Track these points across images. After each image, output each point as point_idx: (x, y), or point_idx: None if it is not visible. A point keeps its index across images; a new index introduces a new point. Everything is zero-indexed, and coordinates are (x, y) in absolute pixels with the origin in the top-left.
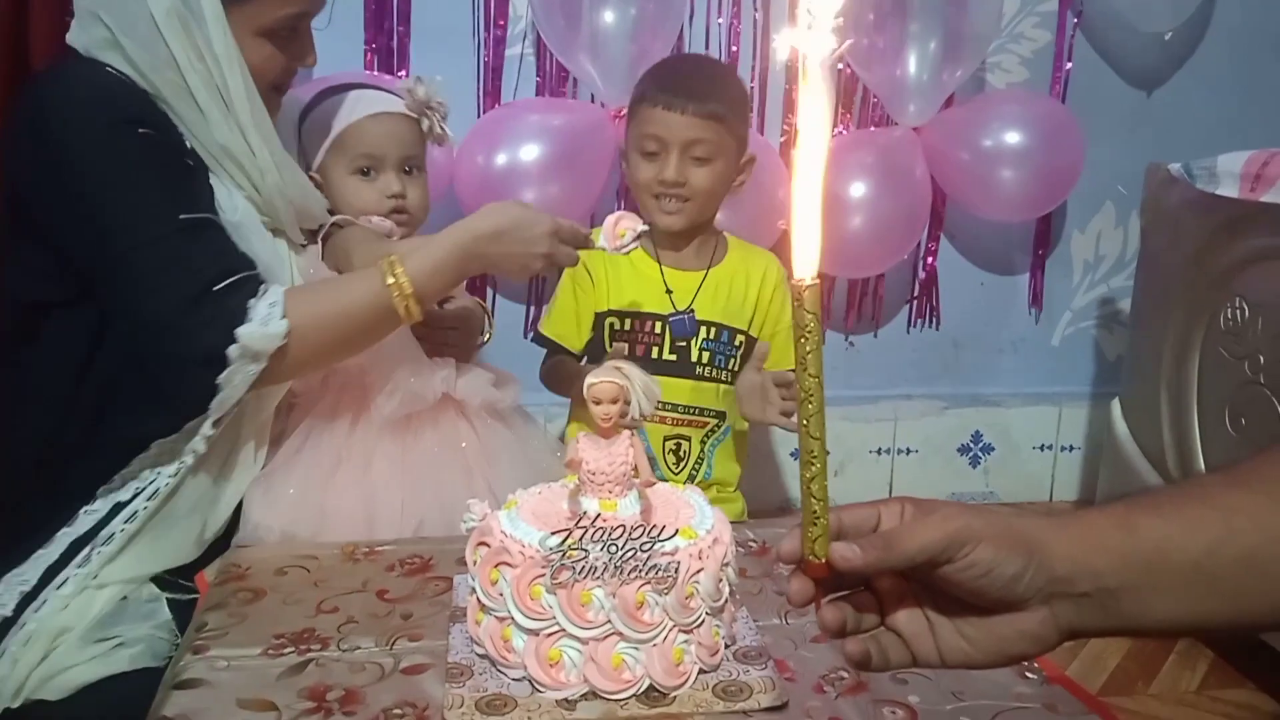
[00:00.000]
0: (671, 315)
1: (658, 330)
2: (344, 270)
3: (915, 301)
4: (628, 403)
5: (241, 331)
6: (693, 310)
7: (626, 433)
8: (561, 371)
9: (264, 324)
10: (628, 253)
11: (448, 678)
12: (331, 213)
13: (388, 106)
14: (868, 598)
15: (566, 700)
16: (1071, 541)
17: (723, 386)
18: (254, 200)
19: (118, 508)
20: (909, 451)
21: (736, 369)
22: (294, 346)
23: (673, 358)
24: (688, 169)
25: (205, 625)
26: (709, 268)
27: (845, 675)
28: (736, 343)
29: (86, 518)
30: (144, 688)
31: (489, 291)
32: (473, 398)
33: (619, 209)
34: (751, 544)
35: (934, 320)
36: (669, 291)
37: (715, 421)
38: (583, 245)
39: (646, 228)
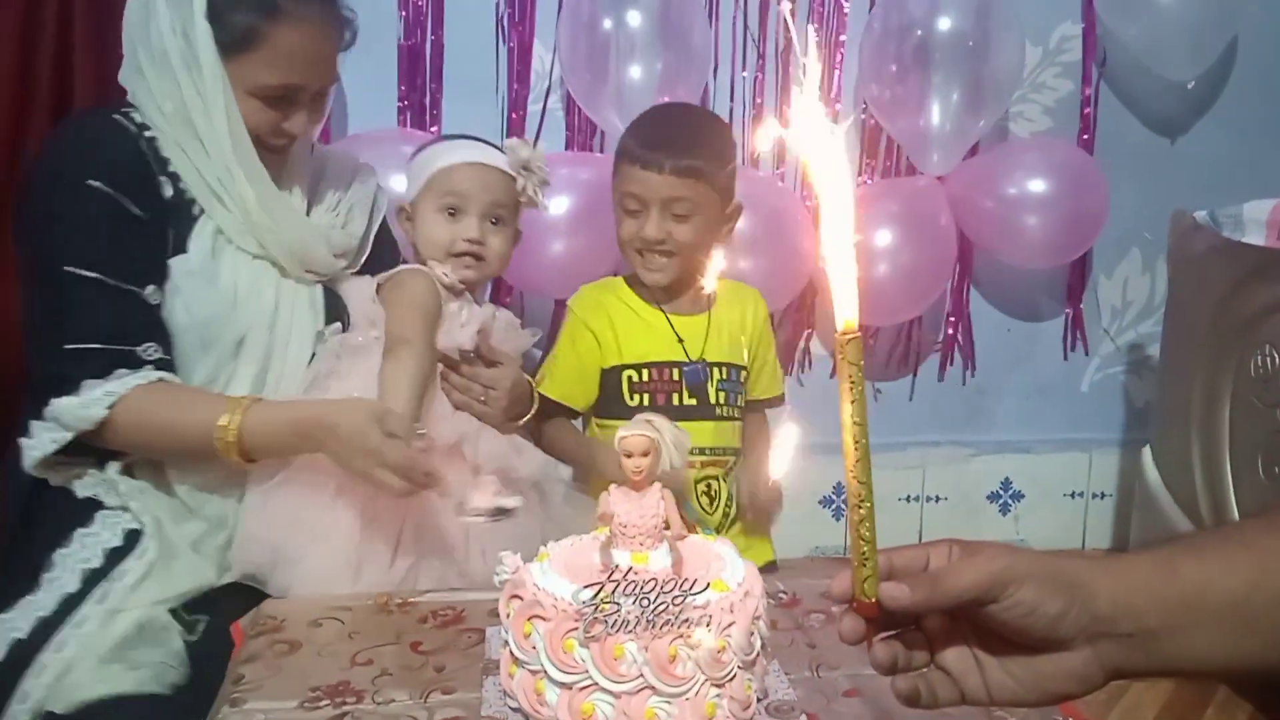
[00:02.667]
0: (685, 365)
1: (675, 378)
2: (391, 306)
3: (943, 348)
4: (658, 455)
5: (58, 402)
6: (704, 360)
7: (657, 485)
8: (565, 443)
9: (84, 406)
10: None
11: None
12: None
13: (487, 159)
14: (917, 636)
15: None
16: (1114, 582)
17: (738, 423)
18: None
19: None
20: (938, 499)
21: (741, 404)
22: (108, 434)
23: (693, 402)
24: (669, 225)
25: (242, 678)
26: (709, 310)
27: None
28: (741, 379)
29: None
30: (147, 713)
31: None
32: (487, 462)
33: None
34: (782, 595)
35: (963, 366)
36: (680, 340)
37: (733, 459)
38: (411, 478)
39: (513, 507)
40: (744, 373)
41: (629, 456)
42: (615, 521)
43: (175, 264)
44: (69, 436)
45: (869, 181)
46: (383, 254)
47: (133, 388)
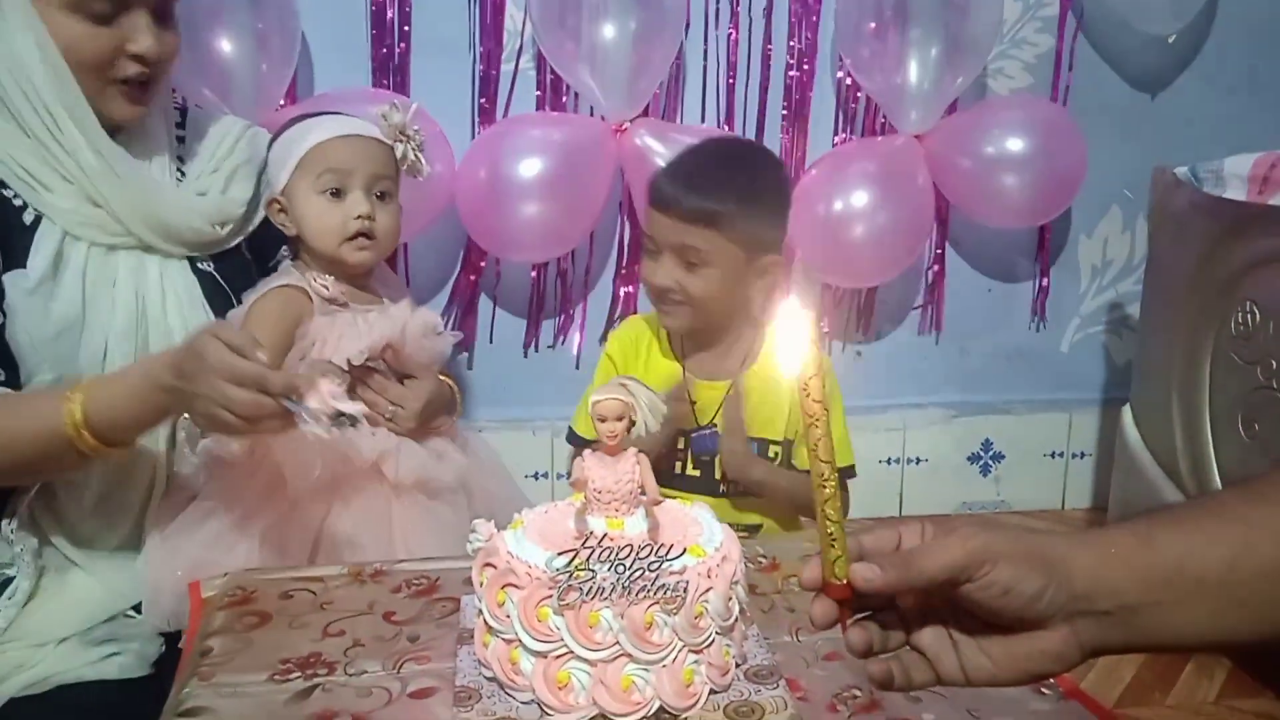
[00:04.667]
0: (693, 432)
1: (680, 445)
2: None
3: (922, 309)
4: (633, 420)
5: None
6: (714, 426)
7: (633, 450)
8: None
9: None
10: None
11: (456, 701)
12: (294, 244)
13: (359, 129)
14: (893, 616)
15: None
16: (1091, 558)
17: (748, 500)
18: (94, 213)
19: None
20: (918, 461)
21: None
22: None
23: (696, 473)
24: (679, 273)
25: (210, 651)
26: (739, 374)
27: (858, 694)
28: (770, 455)
29: None
30: (131, 695)
31: (490, 304)
32: (407, 475)
33: (621, 224)
34: (762, 559)
35: (941, 328)
36: (692, 403)
37: (747, 535)
38: (264, 387)
39: (352, 412)
40: (776, 448)
41: (603, 421)
42: (590, 487)
43: (8, 281)
44: None
45: (845, 140)
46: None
47: None
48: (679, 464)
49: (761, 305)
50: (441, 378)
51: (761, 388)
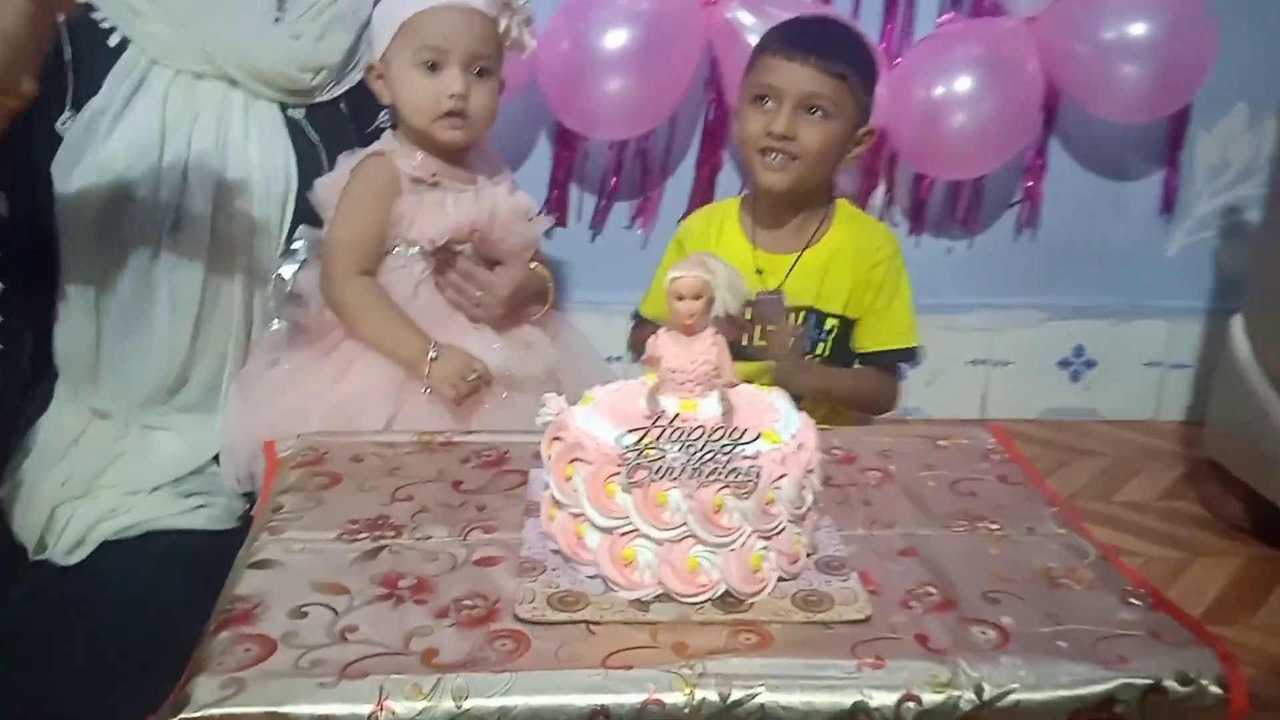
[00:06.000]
0: (759, 294)
1: (746, 316)
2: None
3: (1020, 206)
4: (711, 299)
5: None
6: (781, 291)
7: (709, 330)
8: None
9: None
10: None
11: (520, 571)
12: (393, 113)
13: (462, 1)
14: None
15: (640, 601)
16: None
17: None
18: (182, 38)
19: None
20: (1005, 364)
21: (826, 355)
22: None
23: (762, 344)
24: (800, 123)
25: (281, 508)
26: (805, 248)
27: (933, 591)
28: (827, 326)
29: None
30: (218, 545)
31: (569, 183)
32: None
33: (708, 105)
34: (837, 451)
35: (1039, 226)
36: (759, 272)
37: (826, 427)
38: None
39: None
40: (833, 321)
41: (680, 299)
42: (663, 366)
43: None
44: None
45: (950, 21)
46: None
47: None
48: (744, 336)
49: (842, 181)
50: (534, 266)
51: (825, 262)
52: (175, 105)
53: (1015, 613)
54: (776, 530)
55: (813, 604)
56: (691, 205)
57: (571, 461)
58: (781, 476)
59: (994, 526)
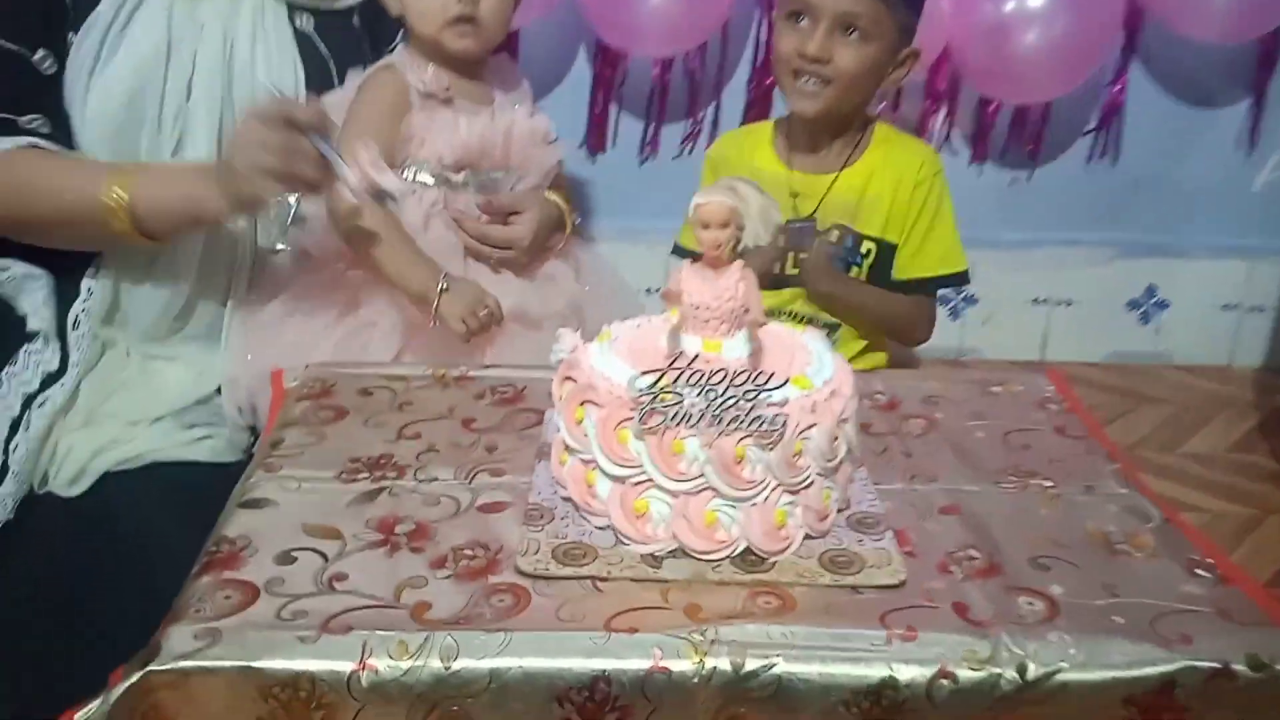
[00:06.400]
0: (790, 222)
1: (780, 242)
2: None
3: (1095, 133)
4: (740, 228)
5: None
6: (814, 218)
7: (738, 264)
8: None
9: None
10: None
11: (525, 519)
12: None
13: None
14: None
15: (652, 556)
16: None
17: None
18: None
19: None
20: (1069, 303)
21: (863, 279)
22: None
23: (795, 271)
24: (835, 45)
25: (281, 442)
26: (842, 168)
27: (976, 555)
28: (864, 249)
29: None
30: (220, 478)
31: (613, 108)
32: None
33: (760, 18)
34: (879, 396)
35: (1115, 156)
36: (794, 195)
37: (827, 332)
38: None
39: (391, 189)
40: (869, 244)
41: (705, 228)
42: (685, 302)
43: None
44: None
45: None
46: None
47: None
48: (778, 262)
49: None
50: (549, 195)
51: (863, 184)
52: (180, 18)
53: (1066, 582)
54: (804, 484)
55: (841, 565)
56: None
57: (583, 404)
58: (811, 426)
59: (1047, 484)
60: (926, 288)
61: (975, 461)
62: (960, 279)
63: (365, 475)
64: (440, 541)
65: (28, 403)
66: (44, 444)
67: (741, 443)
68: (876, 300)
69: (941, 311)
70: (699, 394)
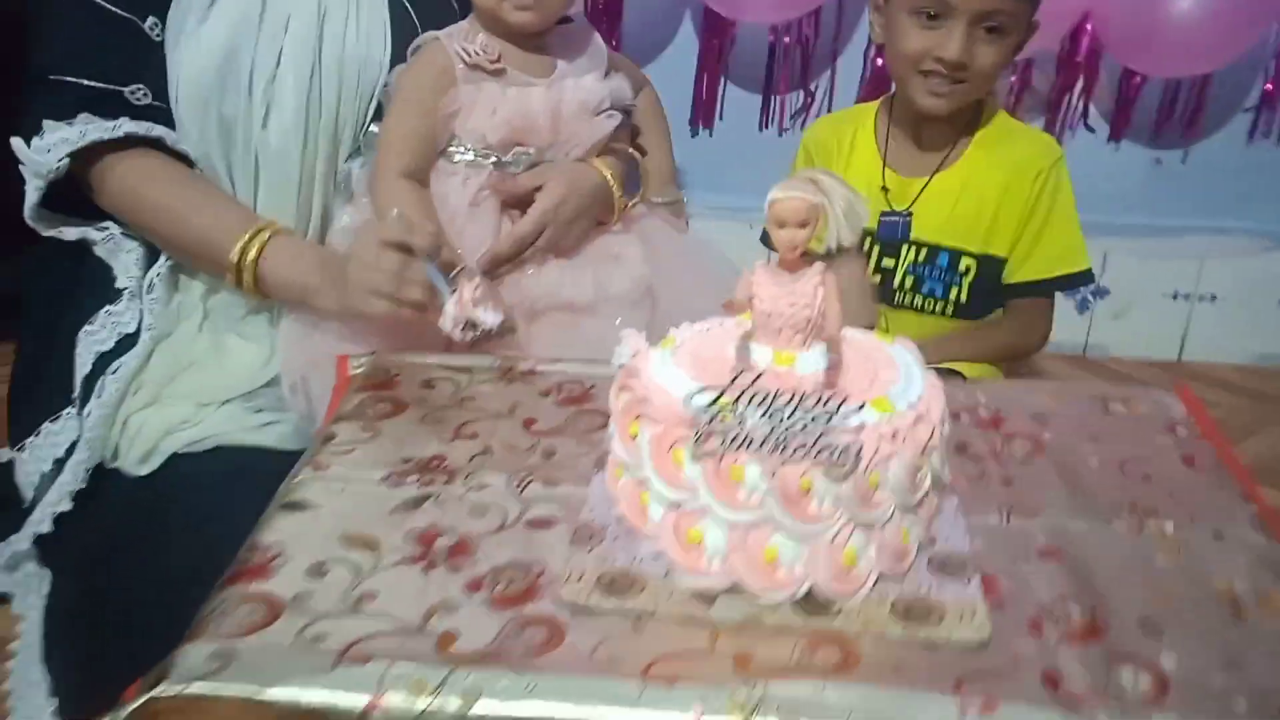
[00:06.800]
0: (884, 214)
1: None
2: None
3: (1256, 111)
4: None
5: (16, 142)
6: (909, 213)
7: (818, 266)
8: None
9: (38, 151)
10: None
11: (574, 538)
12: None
13: None
14: None
15: (704, 593)
16: None
17: (929, 319)
18: None
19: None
20: (1213, 298)
21: (963, 300)
22: (98, 197)
23: (875, 278)
24: (975, 45)
25: (333, 438)
26: (938, 169)
27: (1076, 611)
28: (962, 267)
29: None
30: (286, 466)
31: (720, 79)
32: (538, 300)
33: None
34: (981, 412)
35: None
36: (884, 190)
37: (964, 378)
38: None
39: (489, 325)
40: (968, 260)
41: (781, 226)
42: (757, 308)
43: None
44: (42, 186)
45: None
46: None
47: (92, 142)
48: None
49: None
50: (596, 163)
51: (959, 190)
52: None
53: (1182, 650)
54: (880, 520)
55: (917, 615)
56: (862, 99)
57: (638, 417)
58: (890, 456)
59: (1168, 526)
60: (1041, 289)
61: (1085, 494)
62: (1082, 279)
63: (414, 478)
64: (480, 560)
65: (101, 365)
66: (116, 413)
67: (808, 472)
68: (959, 350)
69: (1067, 303)
70: (763, 415)
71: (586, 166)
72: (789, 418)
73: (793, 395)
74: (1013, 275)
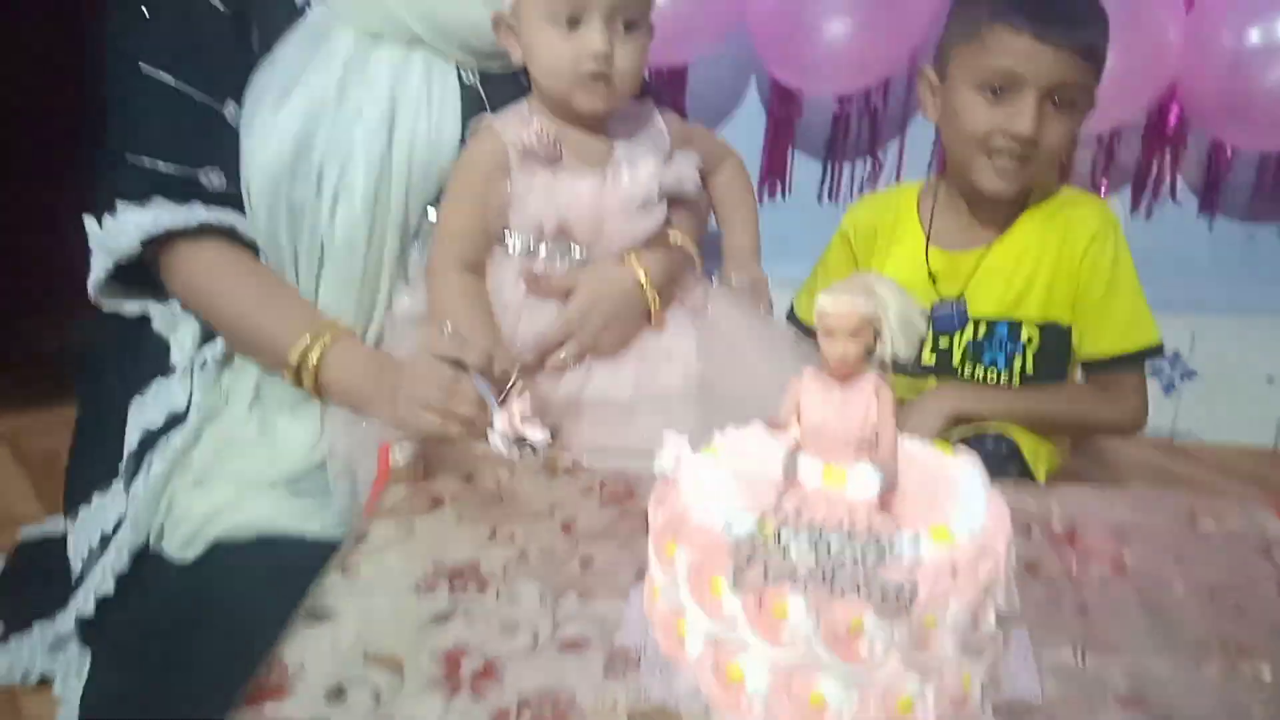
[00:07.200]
0: (937, 304)
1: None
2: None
3: None
4: (876, 336)
5: (90, 221)
6: (963, 299)
7: (871, 377)
8: None
9: (110, 234)
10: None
11: (608, 663)
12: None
13: None
14: None
15: None
16: None
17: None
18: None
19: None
20: None
21: (1028, 370)
22: (163, 276)
23: (931, 360)
24: (1044, 120)
25: (366, 537)
26: (990, 244)
27: None
28: (1024, 337)
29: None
30: (324, 557)
31: (789, 150)
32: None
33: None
34: (1055, 525)
35: None
36: (932, 278)
37: (993, 445)
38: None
39: (538, 441)
40: (1030, 330)
41: (830, 336)
42: (805, 420)
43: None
44: (109, 264)
45: None
46: None
47: (166, 229)
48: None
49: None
50: (634, 262)
51: (1013, 261)
52: (355, 65)
53: None
54: (937, 665)
55: None
56: (931, 169)
57: (675, 538)
58: (948, 595)
59: (1265, 670)
60: (1117, 368)
61: (1170, 628)
62: (1152, 353)
63: (444, 586)
64: (507, 686)
65: (148, 442)
66: (163, 492)
67: (859, 612)
68: (1032, 405)
69: (1152, 384)
70: (810, 546)
71: (622, 269)
72: (839, 549)
73: (841, 523)
74: (1087, 348)
